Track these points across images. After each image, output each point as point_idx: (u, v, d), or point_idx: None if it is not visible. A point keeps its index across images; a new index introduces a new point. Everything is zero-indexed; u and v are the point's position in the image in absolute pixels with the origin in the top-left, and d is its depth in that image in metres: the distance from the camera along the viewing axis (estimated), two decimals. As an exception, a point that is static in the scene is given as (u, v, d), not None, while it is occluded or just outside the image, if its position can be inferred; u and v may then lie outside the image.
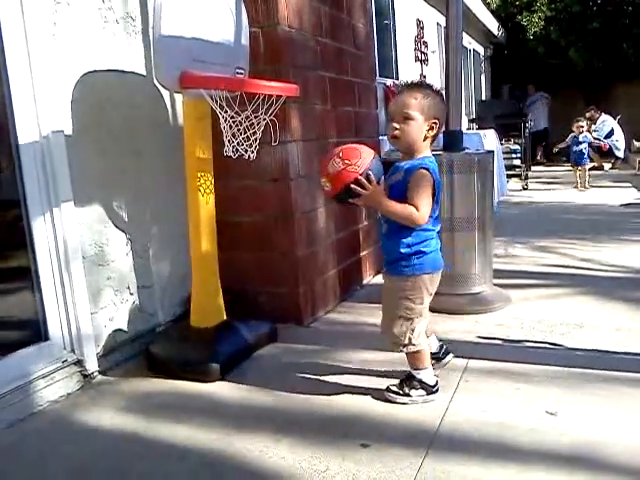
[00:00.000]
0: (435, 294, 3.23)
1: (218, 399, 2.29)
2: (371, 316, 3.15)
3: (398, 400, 2.19)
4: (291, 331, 2.94)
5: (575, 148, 8.63)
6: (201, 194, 2.58)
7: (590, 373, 2.34)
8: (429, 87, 2.15)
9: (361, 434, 1.97)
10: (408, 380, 2.22)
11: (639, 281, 3.59)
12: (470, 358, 2.52)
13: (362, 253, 3.79)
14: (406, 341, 2.15)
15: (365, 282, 3.83)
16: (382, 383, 2.31)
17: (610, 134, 10.44)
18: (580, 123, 8.76)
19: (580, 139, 8.63)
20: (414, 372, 2.22)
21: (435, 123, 2.07)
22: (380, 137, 4.65)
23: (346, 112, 3.68)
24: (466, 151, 3.42)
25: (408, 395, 2.19)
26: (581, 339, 2.71)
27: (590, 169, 8.93)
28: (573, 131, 8.71)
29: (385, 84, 7.90)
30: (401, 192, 2.06)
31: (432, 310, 3.13)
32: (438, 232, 2.19)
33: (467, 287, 3.25)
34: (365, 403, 2.20)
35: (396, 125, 2.07)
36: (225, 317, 2.70)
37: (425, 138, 2.09)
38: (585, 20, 13.86)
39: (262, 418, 2.12)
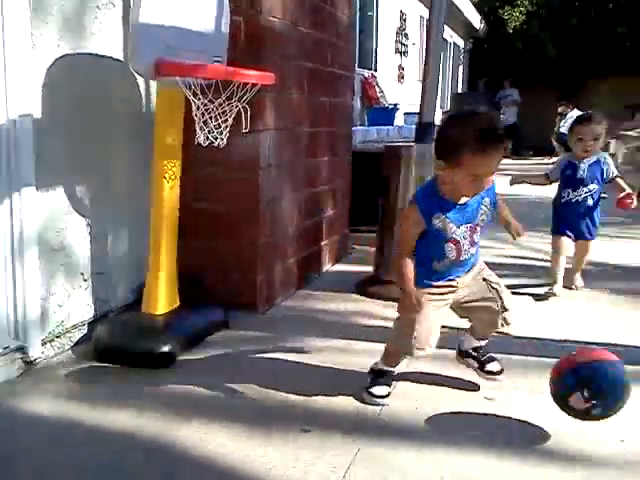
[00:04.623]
0: (383, 282, 3.29)
1: (165, 387, 2.28)
2: (327, 304, 3.19)
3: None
4: (247, 318, 2.93)
5: (569, 195, 3.30)
6: (166, 180, 2.57)
7: (532, 360, 2.42)
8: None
9: (304, 420, 1.99)
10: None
11: (589, 272, 3.62)
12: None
13: (323, 242, 3.80)
14: None
15: (324, 270, 3.84)
16: (332, 371, 2.34)
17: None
18: (595, 129, 3.20)
19: (582, 171, 3.22)
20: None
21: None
22: (354, 128, 4.67)
23: (322, 102, 3.67)
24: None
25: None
26: (530, 328, 2.75)
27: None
28: (566, 149, 4.38)
29: (363, 75, 7.91)
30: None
31: (387, 299, 3.20)
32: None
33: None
34: (312, 390, 2.20)
35: None
36: (178, 303, 2.69)
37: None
38: (565, 16, 13.98)
39: (208, 406, 2.12)
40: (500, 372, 2.21)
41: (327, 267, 3.90)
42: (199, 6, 2.52)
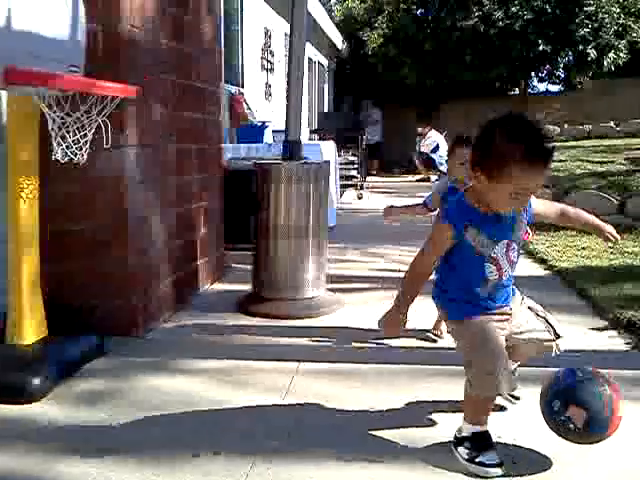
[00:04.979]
0: (271, 299, 3.32)
1: (38, 421, 2.13)
2: (208, 324, 3.16)
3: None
4: (124, 343, 2.81)
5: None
6: (23, 200, 2.41)
7: (411, 369, 2.54)
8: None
9: (192, 445, 1.94)
10: None
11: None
12: (301, 361, 2.60)
13: (199, 261, 3.75)
14: None
15: (202, 290, 3.80)
16: (219, 392, 2.32)
17: (436, 149, 11.20)
18: None
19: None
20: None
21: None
22: (223, 145, 4.66)
23: (189, 118, 3.63)
24: (305, 161, 3.54)
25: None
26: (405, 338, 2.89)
27: (418, 180, 6.87)
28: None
29: (230, 91, 7.91)
30: None
31: (267, 316, 3.22)
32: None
33: (301, 292, 3.35)
34: (199, 414, 2.17)
35: None
36: (47, 332, 2.53)
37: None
38: (419, 41, 14.90)
39: (87, 439, 2.01)
40: (519, 398, 2.13)
41: (206, 287, 3.85)
42: (51, 10, 2.36)
